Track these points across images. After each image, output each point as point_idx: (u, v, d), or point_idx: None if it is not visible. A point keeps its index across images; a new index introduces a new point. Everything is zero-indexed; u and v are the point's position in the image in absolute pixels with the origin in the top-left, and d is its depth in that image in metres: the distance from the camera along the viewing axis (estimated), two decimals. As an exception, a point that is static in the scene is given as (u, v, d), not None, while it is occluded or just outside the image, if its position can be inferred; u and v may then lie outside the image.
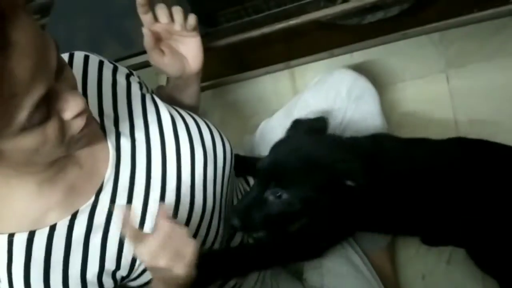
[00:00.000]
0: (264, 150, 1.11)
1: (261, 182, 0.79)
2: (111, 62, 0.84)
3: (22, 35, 0.50)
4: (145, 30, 0.84)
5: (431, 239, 1.10)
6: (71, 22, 1.24)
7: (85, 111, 0.61)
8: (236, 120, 1.50)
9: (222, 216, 0.87)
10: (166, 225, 0.66)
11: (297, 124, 0.90)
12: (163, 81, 1.04)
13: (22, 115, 0.52)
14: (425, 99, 1.31)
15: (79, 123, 0.61)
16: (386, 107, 1.05)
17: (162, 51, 0.88)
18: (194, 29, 0.85)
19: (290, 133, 0.88)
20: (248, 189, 1.05)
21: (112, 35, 1.25)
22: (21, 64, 0.49)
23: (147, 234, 0.67)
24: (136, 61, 1.13)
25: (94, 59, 0.81)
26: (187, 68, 0.90)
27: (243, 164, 1.02)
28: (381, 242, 1.10)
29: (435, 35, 1.33)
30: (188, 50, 0.89)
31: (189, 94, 0.97)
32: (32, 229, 0.67)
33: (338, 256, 1.05)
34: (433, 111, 1.29)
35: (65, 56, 0.79)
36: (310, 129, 0.87)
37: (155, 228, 0.67)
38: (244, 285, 0.96)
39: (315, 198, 0.76)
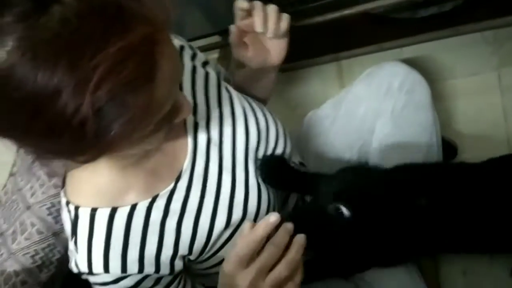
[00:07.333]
0: (310, 142, 1.13)
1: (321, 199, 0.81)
2: (190, 48, 0.85)
3: (168, 60, 0.50)
4: (232, 28, 0.84)
5: None
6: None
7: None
8: (281, 110, 1.50)
9: None
10: (282, 236, 0.65)
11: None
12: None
13: (149, 129, 0.55)
14: (475, 97, 1.29)
15: (179, 122, 0.65)
16: (435, 104, 1.04)
17: (246, 44, 0.87)
18: (285, 33, 0.84)
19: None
20: None
21: (198, 11, 1.26)
22: (163, 89, 0.51)
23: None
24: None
25: (175, 43, 0.80)
26: (269, 60, 0.90)
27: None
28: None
29: (489, 33, 1.30)
30: (274, 46, 0.88)
31: (264, 84, 0.97)
32: (114, 205, 0.70)
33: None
34: (484, 109, 1.27)
35: None
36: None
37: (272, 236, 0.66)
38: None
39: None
